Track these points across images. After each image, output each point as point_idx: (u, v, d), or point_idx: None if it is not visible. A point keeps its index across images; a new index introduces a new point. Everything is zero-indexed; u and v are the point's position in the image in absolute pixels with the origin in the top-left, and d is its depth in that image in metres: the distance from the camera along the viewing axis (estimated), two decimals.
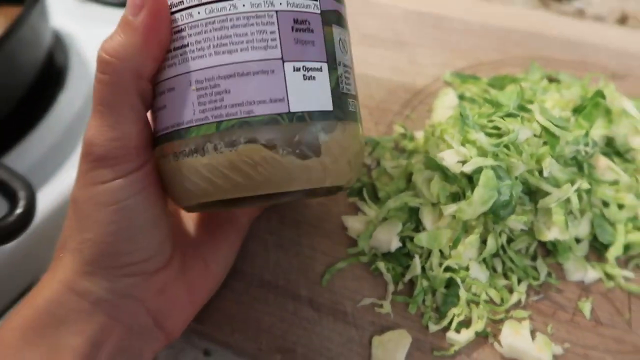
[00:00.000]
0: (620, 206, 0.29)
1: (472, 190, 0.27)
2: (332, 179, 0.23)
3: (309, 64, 0.22)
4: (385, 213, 0.30)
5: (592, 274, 0.28)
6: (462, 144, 0.29)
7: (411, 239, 0.29)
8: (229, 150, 0.21)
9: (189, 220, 0.29)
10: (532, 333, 0.26)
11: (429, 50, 0.42)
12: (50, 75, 0.45)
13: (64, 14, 0.51)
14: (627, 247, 0.29)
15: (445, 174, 0.28)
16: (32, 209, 0.28)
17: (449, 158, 0.28)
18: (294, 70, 0.21)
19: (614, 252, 0.28)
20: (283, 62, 0.21)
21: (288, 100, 0.21)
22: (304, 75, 0.22)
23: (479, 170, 0.27)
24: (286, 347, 0.27)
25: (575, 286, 0.28)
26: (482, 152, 0.28)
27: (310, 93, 0.22)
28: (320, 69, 0.22)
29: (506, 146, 0.28)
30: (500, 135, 0.29)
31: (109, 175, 0.22)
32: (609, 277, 0.28)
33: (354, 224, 0.31)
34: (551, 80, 0.38)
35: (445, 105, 0.36)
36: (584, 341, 0.26)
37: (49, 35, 0.45)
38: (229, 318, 0.29)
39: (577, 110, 0.32)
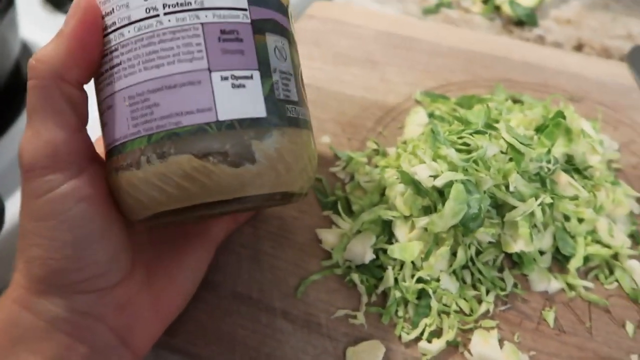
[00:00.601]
0: (580, 220, 0.31)
1: (443, 204, 0.28)
2: (274, 185, 0.23)
3: (237, 73, 0.22)
4: (359, 226, 0.30)
5: (555, 284, 0.29)
6: (434, 159, 0.30)
7: (384, 251, 0.29)
8: (159, 162, 0.21)
9: (153, 232, 0.28)
10: (500, 342, 0.27)
11: (399, 70, 0.43)
12: (19, 85, 0.44)
13: (34, 25, 0.50)
14: (586, 259, 0.30)
15: (418, 188, 0.29)
16: (1, 219, 0.28)
17: (422, 172, 0.29)
18: (221, 80, 0.22)
19: (575, 263, 0.30)
20: (210, 72, 0.21)
21: (216, 109, 0.21)
22: (232, 84, 0.22)
23: (449, 185, 0.28)
24: (260, 359, 0.27)
25: (539, 296, 0.29)
26: (453, 167, 0.29)
27: (239, 101, 0.22)
28: (250, 77, 0.22)
29: (475, 162, 0.29)
30: (469, 151, 0.30)
31: (43, 187, 0.22)
32: (571, 287, 0.30)
33: (328, 236, 0.31)
34: (515, 101, 0.40)
35: (416, 123, 0.38)
36: (548, 349, 0.27)
37: (17, 45, 0.44)
38: (202, 331, 0.28)
39: (539, 130, 0.34)
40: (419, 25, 0.48)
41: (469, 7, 0.55)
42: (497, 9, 0.54)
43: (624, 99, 0.41)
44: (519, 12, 0.52)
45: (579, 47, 0.50)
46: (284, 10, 0.25)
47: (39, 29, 0.51)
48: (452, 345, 0.27)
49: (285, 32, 0.24)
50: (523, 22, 0.53)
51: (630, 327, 0.28)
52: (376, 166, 0.35)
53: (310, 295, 0.29)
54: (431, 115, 0.38)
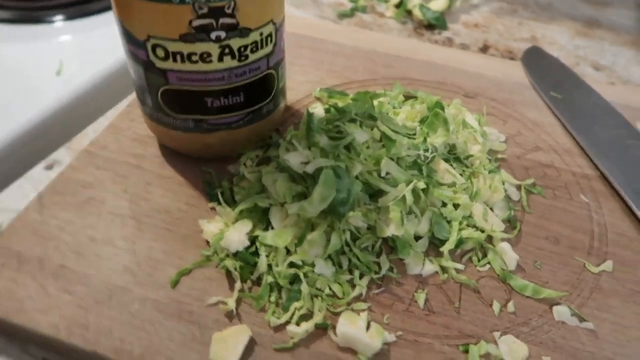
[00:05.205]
0: (456, 205, 0.32)
1: None
2: None
3: None
4: (237, 214, 0.30)
5: (428, 267, 0.30)
6: (309, 148, 0.30)
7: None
8: None
9: None
10: (369, 323, 0.27)
11: (302, 69, 0.44)
12: None
13: None
14: (462, 242, 0.31)
15: (291, 175, 0.29)
16: None
17: (293, 159, 0.29)
18: None
19: (448, 246, 0.30)
20: None
21: None
22: None
23: (321, 170, 0.29)
24: (124, 349, 0.26)
25: (414, 279, 0.30)
26: (325, 154, 0.29)
27: None
28: None
29: (347, 148, 0.30)
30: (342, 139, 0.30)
31: None
32: (444, 269, 0.30)
33: (209, 227, 0.31)
34: (409, 97, 0.41)
35: None
36: (415, 328, 0.28)
37: None
38: (69, 322, 0.28)
39: (422, 121, 0.35)
40: (329, 27, 0.50)
41: (382, 12, 0.57)
42: (409, 13, 0.56)
43: (516, 96, 0.43)
44: (428, 16, 0.54)
45: (484, 49, 0.53)
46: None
47: None
48: (321, 328, 0.27)
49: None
50: (433, 25, 0.55)
51: (496, 306, 0.29)
52: (268, 158, 0.35)
53: (186, 284, 0.29)
54: (328, 110, 0.39)
